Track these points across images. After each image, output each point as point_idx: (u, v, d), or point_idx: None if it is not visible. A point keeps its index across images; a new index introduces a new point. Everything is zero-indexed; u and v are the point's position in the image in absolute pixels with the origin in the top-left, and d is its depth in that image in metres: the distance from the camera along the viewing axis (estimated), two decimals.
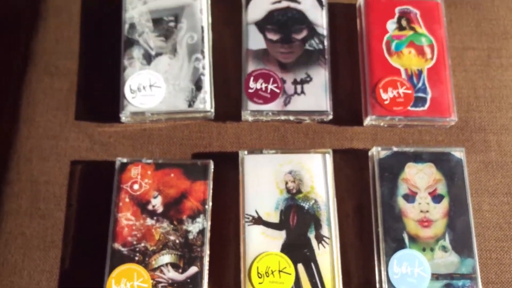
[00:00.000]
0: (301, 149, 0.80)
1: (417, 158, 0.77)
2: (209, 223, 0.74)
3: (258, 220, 0.73)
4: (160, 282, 0.70)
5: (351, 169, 0.79)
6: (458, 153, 0.78)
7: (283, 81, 0.80)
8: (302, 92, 0.80)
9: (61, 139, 0.80)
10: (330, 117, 0.80)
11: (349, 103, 0.83)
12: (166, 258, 0.72)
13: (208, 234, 0.73)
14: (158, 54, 0.81)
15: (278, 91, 0.80)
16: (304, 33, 0.83)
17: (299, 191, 0.75)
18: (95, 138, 0.80)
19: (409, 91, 0.80)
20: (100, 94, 0.82)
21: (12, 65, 0.88)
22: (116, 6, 0.85)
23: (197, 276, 0.71)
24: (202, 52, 0.81)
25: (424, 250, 0.73)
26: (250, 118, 0.81)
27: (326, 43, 0.82)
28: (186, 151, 0.80)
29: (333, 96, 0.80)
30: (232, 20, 0.86)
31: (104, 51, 0.84)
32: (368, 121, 0.80)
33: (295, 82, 0.80)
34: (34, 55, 0.85)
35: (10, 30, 1.04)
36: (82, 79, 0.83)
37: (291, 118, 0.80)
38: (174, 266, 0.71)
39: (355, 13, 0.88)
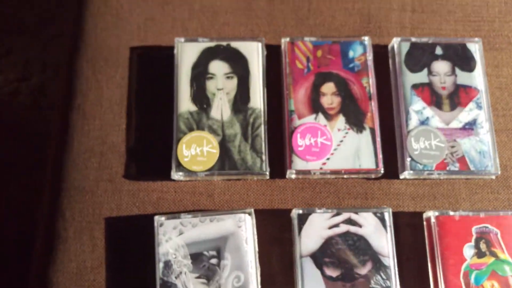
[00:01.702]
0: None
1: None
2: None
3: None
4: None
5: None
6: None
7: None
8: None
9: None
10: None
11: None
12: None
13: None
14: None
15: None
16: (368, 267, 0.71)
17: None
18: None
19: None
20: None
21: None
22: (148, 228, 0.73)
23: None
24: None
25: None
26: None
27: (393, 279, 0.71)
28: None
29: None
30: (282, 243, 0.74)
31: None
32: None
33: None
34: None
35: (18, 259, 0.90)
36: None
37: None
38: None
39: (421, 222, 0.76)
